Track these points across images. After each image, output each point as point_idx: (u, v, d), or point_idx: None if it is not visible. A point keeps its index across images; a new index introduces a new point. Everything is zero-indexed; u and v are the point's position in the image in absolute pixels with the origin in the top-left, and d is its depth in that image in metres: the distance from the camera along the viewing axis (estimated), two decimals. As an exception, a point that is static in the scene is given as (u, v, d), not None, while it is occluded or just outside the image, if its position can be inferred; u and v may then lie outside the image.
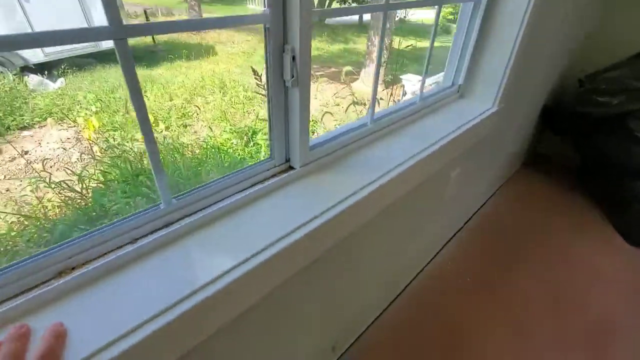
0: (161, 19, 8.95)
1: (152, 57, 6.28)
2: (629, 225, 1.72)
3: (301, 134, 0.70)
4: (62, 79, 4.75)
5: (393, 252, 1.13)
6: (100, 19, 5.26)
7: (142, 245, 0.53)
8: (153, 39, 6.83)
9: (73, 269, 0.49)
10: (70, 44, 0.38)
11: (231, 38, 8.41)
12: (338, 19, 9.92)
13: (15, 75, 4.50)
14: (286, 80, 0.64)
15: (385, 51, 4.60)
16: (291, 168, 0.75)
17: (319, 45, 7.71)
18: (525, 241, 1.72)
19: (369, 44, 5.79)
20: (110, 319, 0.44)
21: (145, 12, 6.64)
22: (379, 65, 0.85)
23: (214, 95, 4.50)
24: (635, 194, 1.64)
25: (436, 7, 0.91)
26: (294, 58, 0.61)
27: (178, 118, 3.73)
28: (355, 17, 10.40)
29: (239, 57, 6.88)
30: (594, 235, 1.78)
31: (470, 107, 1.15)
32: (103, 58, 5.57)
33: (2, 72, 4.55)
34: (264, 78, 0.67)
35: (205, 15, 9.23)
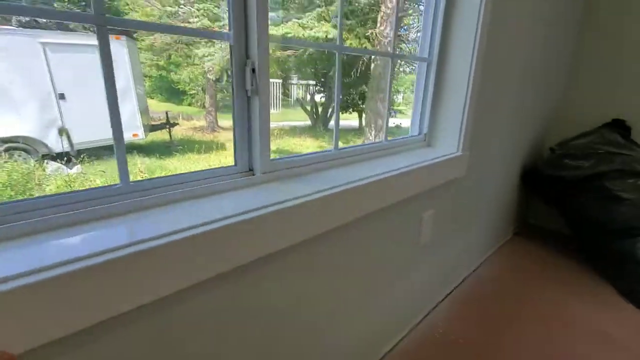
0: (181, 122, 10.02)
1: (166, 150, 6.84)
2: (630, 285, 1.61)
3: (262, 141, 0.77)
4: (78, 166, 5.11)
5: (367, 293, 1.07)
6: (125, 118, 5.90)
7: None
8: (170, 135, 7.57)
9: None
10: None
11: (241, 137, 9.17)
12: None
13: (36, 161, 4.87)
14: (248, 90, 0.74)
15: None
16: (253, 175, 0.80)
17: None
18: (520, 305, 1.60)
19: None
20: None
21: (166, 113, 7.49)
22: (338, 103, 0.97)
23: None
24: (625, 252, 1.59)
25: (390, 60, 1.08)
26: (253, 70, 0.73)
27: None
28: (354, 123, 11.58)
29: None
30: (594, 298, 1.65)
31: (435, 152, 1.24)
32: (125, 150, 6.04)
33: (25, 159, 4.95)
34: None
35: (220, 122, 10.41)
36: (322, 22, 5.76)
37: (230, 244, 0.61)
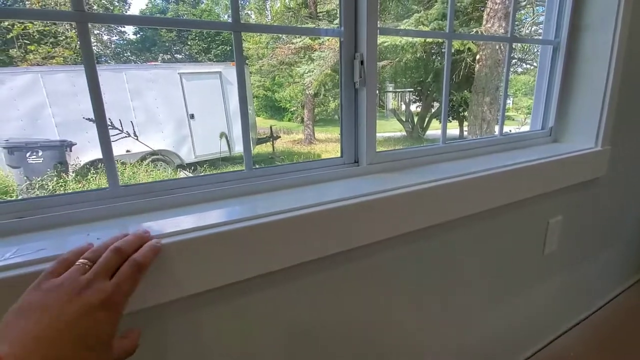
0: (282, 136, 10.91)
1: (270, 161, 7.53)
2: None
3: (368, 131, 0.78)
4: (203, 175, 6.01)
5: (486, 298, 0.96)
6: (238, 133, 6.75)
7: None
8: (273, 148, 8.33)
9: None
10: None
11: (336, 148, 9.52)
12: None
13: (172, 170, 5.89)
14: (356, 82, 0.76)
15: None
16: (359, 166, 0.81)
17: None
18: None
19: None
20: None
21: (270, 127, 8.24)
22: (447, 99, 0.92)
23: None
24: None
25: (506, 44, 0.98)
26: (362, 62, 0.75)
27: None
28: (454, 132, 10.82)
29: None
30: None
31: (564, 148, 1.07)
32: (235, 161, 6.89)
33: (164, 168, 6.01)
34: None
35: (317, 135, 11.00)
36: (420, 26, 5.62)
37: (335, 227, 0.63)
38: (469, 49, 5.89)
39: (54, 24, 8.06)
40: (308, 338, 0.69)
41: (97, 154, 5.30)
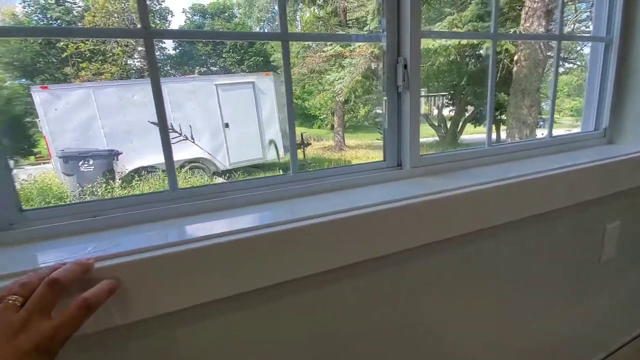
0: (312, 142, 11.02)
1: (301, 167, 7.64)
2: None
3: (411, 135, 0.78)
4: (236, 181, 6.20)
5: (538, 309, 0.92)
6: (270, 139, 6.91)
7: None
8: (304, 154, 8.44)
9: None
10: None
11: (367, 155, 9.48)
12: (469, 138, 10.10)
13: (208, 176, 6.12)
14: (399, 86, 0.77)
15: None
16: (401, 170, 0.81)
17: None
18: None
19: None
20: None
21: (302, 135, 8.37)
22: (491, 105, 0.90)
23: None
24: None
25: (555, 42, 0.95)
26: (405, 66, 0.75)
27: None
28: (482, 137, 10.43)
29: (372, 168, 7.62)
30: None
31: (622, 150, 1.00)
32: (267, 168, 7.04)
33: (201, 175, 6.25)
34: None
35: (347, 141, 11.02)
36: (454, 29, 5.50)
37: (376, 231, 0.63)
38: (506, 50, 5.67)
39: (103, 42, 8.73)
40: (348, 340, 0.69)
41: (140, 162, 5.64)
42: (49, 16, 9.30)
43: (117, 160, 5.34)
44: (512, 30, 5.53)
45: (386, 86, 0.77)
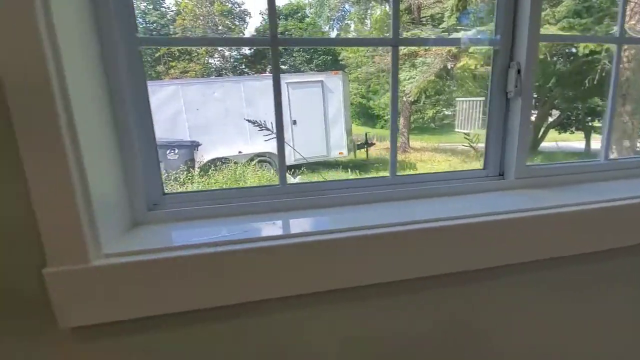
0: (376, 142, 10.89)
1: (364, 167, 7.60)
2: None
3: (520, 144, 0.74)
4: (299, 177, 6.40)
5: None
6: (335, 138, 7.01)
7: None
8: (367, 155, 8.39)
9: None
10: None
11: (432, 158, 9.08)
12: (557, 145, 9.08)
13: (275, 170, 6.42)
14: (509, 92, 0.73)
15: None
16: (504, 180, 0.78)
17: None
18: None
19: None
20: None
21: (365, 134, 8.32)
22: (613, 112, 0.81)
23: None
24: None
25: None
26: (519, 71, 0.71)
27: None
28: (577, 145, 9.27)
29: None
30: None
31: None
32: (329, 166, 7.15)
33: (268, 169, 6.57)
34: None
35: (412, 143, 10.66)
36: (547, 25, 4.97)
37: (470, 244, 0.61)
38: (606, 49, 4.98)
39: (190, 43, 9.62)
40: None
41: (216, 153, 6.11)
42: (147, 20, 10.52)
43: (197, 150, 5.86)
44: (614, 28, 4.83)
45: (493, 92, 0.74)
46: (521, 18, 0.70)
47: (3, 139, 0.43)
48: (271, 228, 0.58)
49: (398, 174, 0.74)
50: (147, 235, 0.56)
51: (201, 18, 9.87)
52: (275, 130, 0.71)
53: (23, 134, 0.42)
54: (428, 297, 0.64)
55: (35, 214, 0.45)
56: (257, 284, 0.53)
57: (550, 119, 9.37)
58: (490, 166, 0.78)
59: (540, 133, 9.41)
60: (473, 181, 0.76)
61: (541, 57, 5.32)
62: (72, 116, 0.44)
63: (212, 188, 0.78)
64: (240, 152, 6.42)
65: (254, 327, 0.57)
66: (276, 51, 0.64)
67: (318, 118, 6.83)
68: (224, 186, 5.33)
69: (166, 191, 0.65)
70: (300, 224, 0.61)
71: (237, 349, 0.57)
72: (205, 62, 10.41)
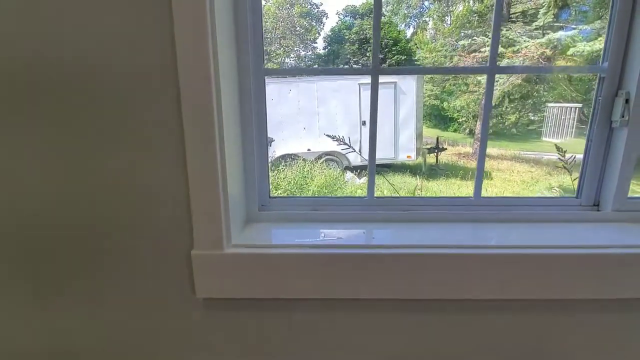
0: (447, 147, 10.38)
1: (431, 173, 7.33)
2: None
3: (622, 175, 0.71)
4: (365, 178, 6.43)
5: None
6: (404, 141, 6.87)
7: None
8: (437, 160, 8.05)
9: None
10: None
11: (511, 167, 8.37)
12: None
13: (341, 170, 6.54)
14: (614, 121, 0.71)
15: None
16: (599, 211, 0.75)
17: None
18: None
19: None
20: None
21: (437, 138, 8.01)
22: None
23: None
24: None
25: None
26: (627, 101, 0.68)
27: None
28: None
29: (516, 184, 6.69)
30: None
31: None
32: (396, 169, 7.06)
33: (334, 168, 6.73)
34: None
35: (488, 149, 9.90)
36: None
37: (564, 274, 0.61)
38: None
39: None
40: None
41: (287, 149, 6.46)
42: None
43: (270, 146, 6.26)
44: None
45: (597, 118, 0.72)
46: (635, 44, 0.67)
47: (177, 139, 0.57)
48: (358, 237, 0.66)
49: (482, 193, 0.76)
50: (261, 231, 0.69)
51: (281, 20, 10.41)
52: (353, 145, 0.79)
53: (190, 135, 0.56)
54: (513, 318, 0.66)
55: (190, 202, 0.59)
56: (353, 284, 0.62)
57: None
58: (585, 195, 0.76)
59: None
60: (565, 209, 0.75)
61: None
62: (222, 128, 0.57)
63: (310, 196, 0.89)
64: (309, 149, 6.68)
65: (342, 319, 0.66)
66: (376, 80, 0.72)
67: (389, 120, 6.78)
68: (292, 182, 5.62)
69: (271, 195, 0.77)
70: (385, 236, 0.68)
71: (325, 337, 0.67)
72: (282, 61, 10.96)
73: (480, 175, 0.77)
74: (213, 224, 0.59)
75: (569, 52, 4.92)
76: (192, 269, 0.61)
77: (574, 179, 0.79)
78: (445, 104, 12.68)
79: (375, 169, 0.77)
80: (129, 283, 0.64)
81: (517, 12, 8.44)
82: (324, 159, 6.72)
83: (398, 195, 0.90)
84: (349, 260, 0.61)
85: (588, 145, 0.74)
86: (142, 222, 0.61)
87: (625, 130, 0.69)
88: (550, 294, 0.63)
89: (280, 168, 6.18)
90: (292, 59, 10.92)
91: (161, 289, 0.65)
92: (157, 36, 0.53)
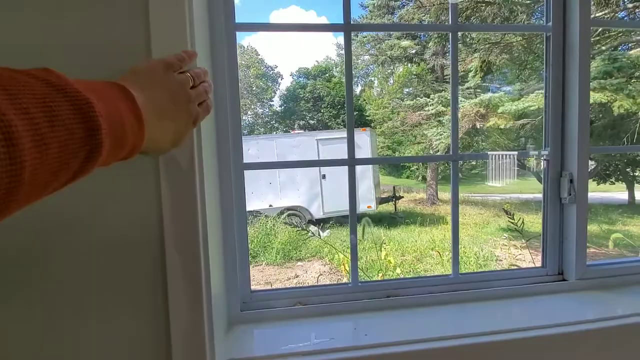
0: (403, 194, 10.84)
1: (392, 221, 7.52)
2: None
3: (578, 246, 0.78)
4: (328, 231, 6.41)
5: None
6: (363, 192, 7.07)
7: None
8: (395, 208, 8.35)
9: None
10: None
11: (462, 210, 8.90)
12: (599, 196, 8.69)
13: (304, 224, 6.49)
14: (562, 199, 0.79)
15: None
16: (564, 280, 0.80)
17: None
18: None
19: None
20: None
21: (394, 187, 8.39)
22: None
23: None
24: None
25: None
26: (571, 181, 0.78)
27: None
28: (620, 196, 8.81)
29: (470, 227, 7.07)
30: None
31: None
32: (358, 219, 7.16)
33: (297, 223, 6.66)
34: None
35: (440, 195, 10.60)
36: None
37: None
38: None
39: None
40: None
41: (249, 207, 6.34)
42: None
43: (231, 204, 6.10)
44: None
45: (548, 197, 0.80)
46: (570, 133, 0.78)
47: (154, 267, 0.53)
48: (350, 334, 0.63)
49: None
50: (246, 339, 0.64)
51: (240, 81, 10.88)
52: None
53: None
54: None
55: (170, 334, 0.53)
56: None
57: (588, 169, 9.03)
58: (550, 265, 0.81)
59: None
60: (534, 280, 0.80)
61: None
62: (206, 219, 0.54)
63: (292, 286, 0.85)
64: (270, 205, 6.61)
65: None
66: (352, 168, 0.75)
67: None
68: (255, 240, 5.42)
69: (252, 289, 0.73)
70: (375, 331, 0.66)
71: None
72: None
73: (456, 256, 0.80)
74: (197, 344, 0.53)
75: (499, 110, 5.64)
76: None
77: (527, 240, 0.84)
78: (397, 154, 13.56)
79: (357, 258, 0.77)
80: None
81: (449, 74, 9.60)
82: (286, 214, 6.66)
83: (381, 279, 0.90)
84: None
85: (545, 218, 0.82)
86: None
87: (574, 207, 0.77)
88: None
89: (248, 221, 5.97)
90: (249, 116, 11.23)
91: None
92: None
